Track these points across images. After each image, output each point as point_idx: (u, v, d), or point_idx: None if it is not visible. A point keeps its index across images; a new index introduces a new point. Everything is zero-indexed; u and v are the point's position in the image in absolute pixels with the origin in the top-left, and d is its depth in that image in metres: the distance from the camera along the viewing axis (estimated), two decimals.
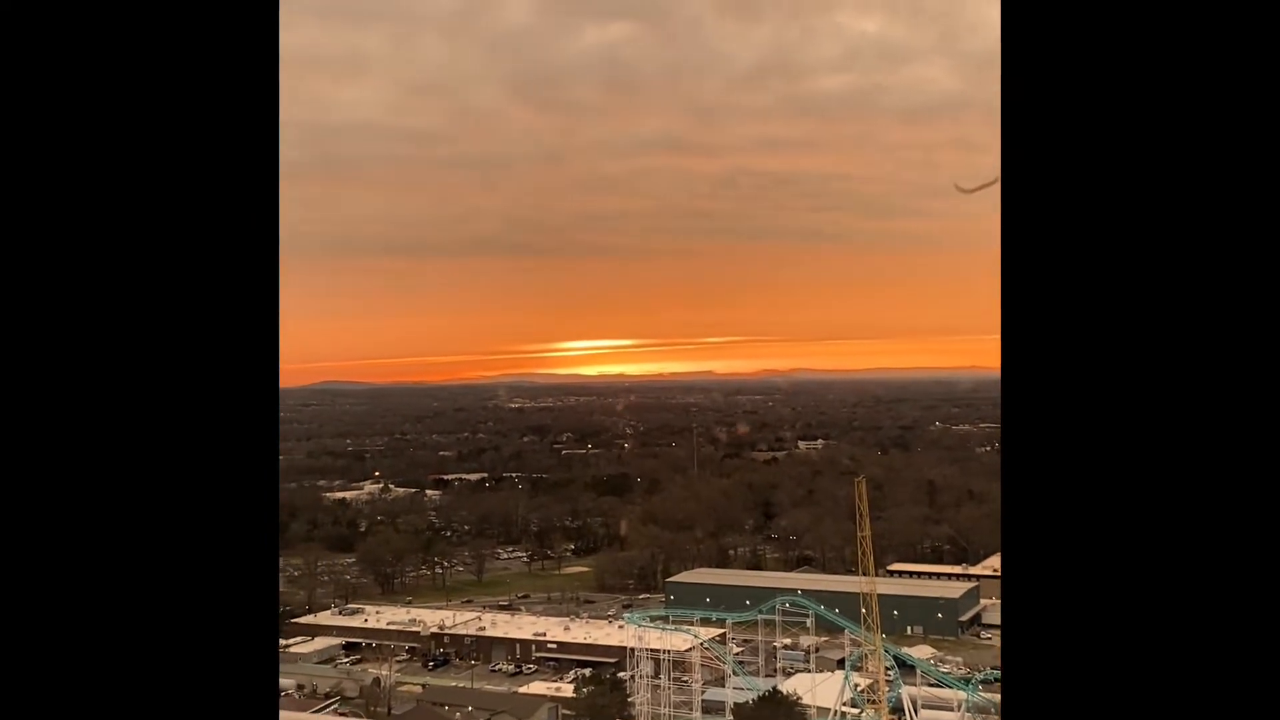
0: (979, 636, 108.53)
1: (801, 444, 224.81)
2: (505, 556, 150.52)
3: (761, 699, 78.48)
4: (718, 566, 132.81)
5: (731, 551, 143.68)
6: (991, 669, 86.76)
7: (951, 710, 78.96)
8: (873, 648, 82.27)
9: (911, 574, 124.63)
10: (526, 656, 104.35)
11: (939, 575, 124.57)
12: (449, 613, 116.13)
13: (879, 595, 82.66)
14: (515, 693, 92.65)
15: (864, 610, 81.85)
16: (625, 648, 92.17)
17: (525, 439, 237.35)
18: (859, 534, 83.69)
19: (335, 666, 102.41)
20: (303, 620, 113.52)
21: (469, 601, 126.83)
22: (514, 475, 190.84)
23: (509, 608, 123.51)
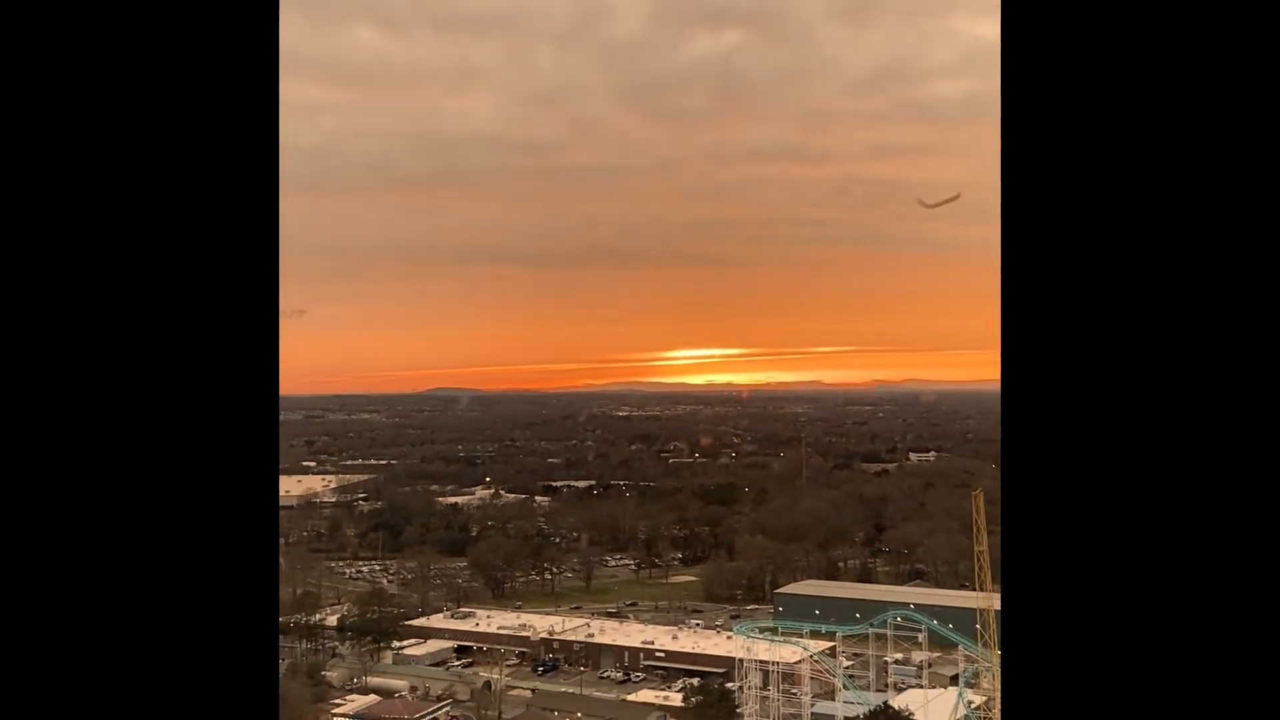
0: None
1: (913, 456, 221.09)
2: (613, 564, 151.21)
3: (872, 713, 77.35)
4: (827, 579, 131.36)
5: (841, 564, 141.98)
6: None
7: None
8: (988, 664, 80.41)
9: None
10: (635, 664, 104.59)
11: None
12: (558, 618, 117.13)
13: (994, 611, 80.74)
14: (624, 700, 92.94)
15: (979, 626, 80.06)
16: (733, 658, 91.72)
17: (633, 447, 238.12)
18: (976, 548, 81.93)
19: (447, 669, 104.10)
20: (416, 623, 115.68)
21: (577, 608, 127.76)
22: (621, 483, 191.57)
23: (617, 615, 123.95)
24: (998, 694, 78.74)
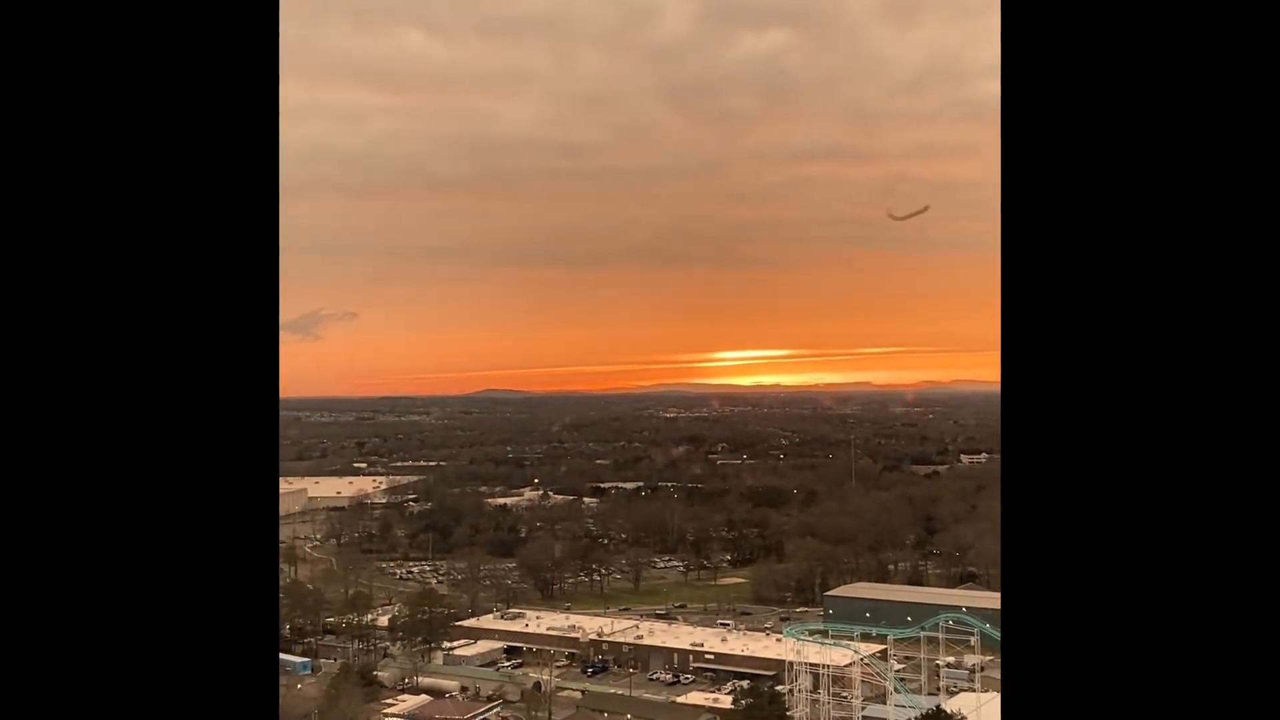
0: None
1: (964, 457, 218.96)
2: (661, 565, 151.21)
3: (924, 717, 76.73)
4: (877, 581, 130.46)
5: (891, 566, 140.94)
6: None
7: None
8: None
9: None
10: (684, 666, 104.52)
11: None
12: (607, 620, 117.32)
13: None
14: (673, 702, 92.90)
15: None
16: (783, 661, 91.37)
17: (680, 449, 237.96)
18: None
19: (497, 670, 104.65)
20: (466, 623, 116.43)
21: (626, 609, 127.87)
22: (669, 484, 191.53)
23: (666, 617, 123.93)
24: None
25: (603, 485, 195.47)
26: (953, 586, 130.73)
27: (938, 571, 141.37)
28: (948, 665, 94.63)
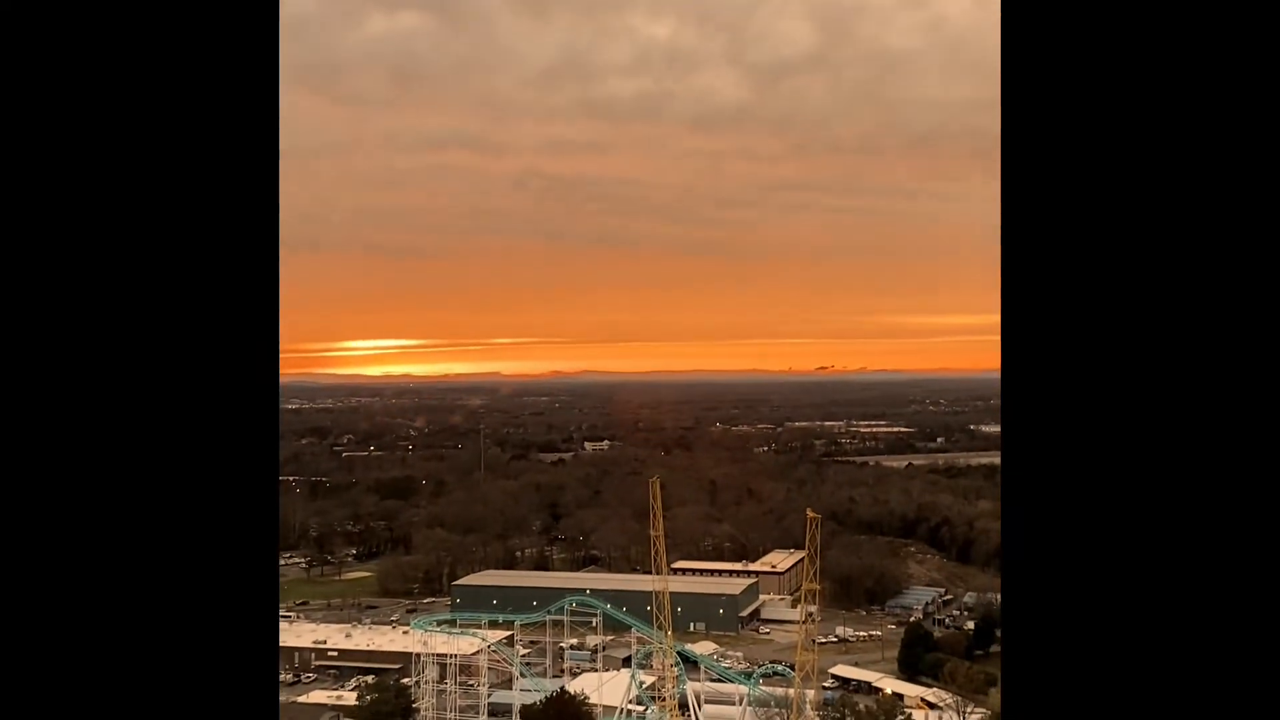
0: (758, 631, 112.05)
1: (588, 445, 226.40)
2: (282, 563, 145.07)
3: (549, 700, 78.53)
4: (505, 568, 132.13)
5: (519, 553, 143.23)
6: (770, 663, 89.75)
7: (734, 704, 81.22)
8: (658, 645, 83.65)
9: (694, 571, 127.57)
10: (305, 665, 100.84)
11: (720, 572, 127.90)
12: None
13: (668, 593, 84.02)
14: (294, 702, 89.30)
15: (653, 608, 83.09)
16: (410, 653, 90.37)
17: (304, 441, 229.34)
18: (651, 533, 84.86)
19: None
20: None
21: None
22: (291, 478, 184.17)
23: (285, 616, 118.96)
24: (670, 673, 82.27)
25: None
26: (577, 569, 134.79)
27: (563, 556, 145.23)
28: (572, 647, 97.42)
